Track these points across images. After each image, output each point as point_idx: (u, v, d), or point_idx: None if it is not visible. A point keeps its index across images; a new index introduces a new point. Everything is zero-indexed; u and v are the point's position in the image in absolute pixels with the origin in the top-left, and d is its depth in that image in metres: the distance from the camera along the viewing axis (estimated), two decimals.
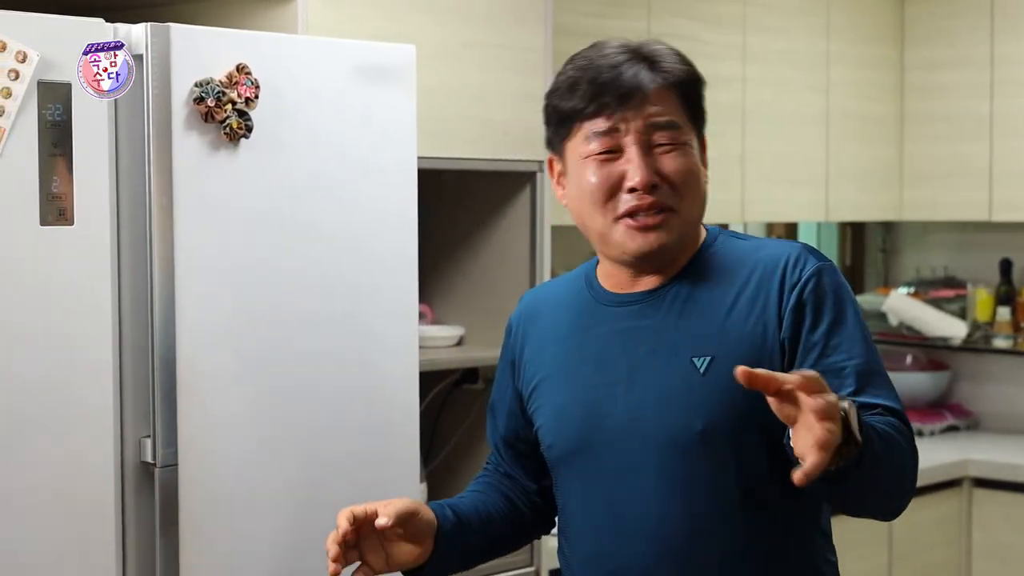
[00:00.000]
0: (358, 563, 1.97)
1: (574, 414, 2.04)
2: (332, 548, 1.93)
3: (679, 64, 2.00)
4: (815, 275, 1.96)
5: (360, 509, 1.96)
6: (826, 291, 1.96)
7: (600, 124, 1.96)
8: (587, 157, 1.98)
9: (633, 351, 2.00)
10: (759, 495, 1.96)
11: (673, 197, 1.96)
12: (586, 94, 1.97)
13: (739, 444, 1.94)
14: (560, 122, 2.02)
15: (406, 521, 1.98)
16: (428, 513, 2.04)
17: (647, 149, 1.95)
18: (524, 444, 2.18)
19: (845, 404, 1.72)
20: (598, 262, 2.10)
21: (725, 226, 2.17)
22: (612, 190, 1.96)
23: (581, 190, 1.99)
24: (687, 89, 1.99)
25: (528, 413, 2.13)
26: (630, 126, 1.95)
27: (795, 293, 1.95)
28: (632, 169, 1.95)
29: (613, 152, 1.96)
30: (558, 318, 2.11)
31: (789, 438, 1.74)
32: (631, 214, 1.96)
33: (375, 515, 1.95)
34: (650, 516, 1.97)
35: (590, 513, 2.04)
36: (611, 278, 2.06)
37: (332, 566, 1.92)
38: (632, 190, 1.95)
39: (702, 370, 1.95)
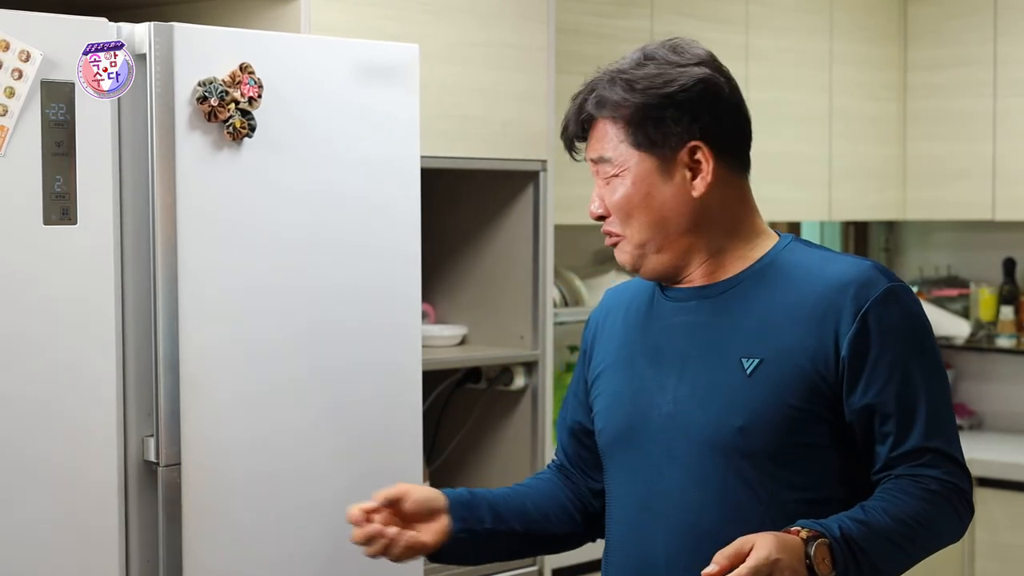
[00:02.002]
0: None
1: (624, 402, 2.08)
2: (360, 530, 2.00)
3: (611, 101, 2.02)
4: (883, 301, 1.96)
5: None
6: (892, 320, 1.96)
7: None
8: None
9: (687, 345, 2.04)
10: (793, 500, 1.96)
11: (617, 224, 2.05)
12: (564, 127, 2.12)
13: (777, 446, 1.95)
14: None
15: (397, 501, 2.02)
16: (426, 491, 2.07)
17: (597, 176, 2.06)
18: (587, 436, 2.20)
19: (811, 550, 1.83)
20: None
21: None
22: None
23: None
24: (624, 122, 2.02)
25: (591, 402, 2.17)
26: (588, 160, 2.09)
27: (859, 318, 1.95)
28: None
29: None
30: (628, 311, 2.16)
31: None
32: None
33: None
34: (683, 509, 1.99)
35: (628, 502, 2.07)
36: None
37: (373, 548, 2.00)
38: None
39: (749, 371, 1.97)
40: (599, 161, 2.03)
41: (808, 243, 2.09)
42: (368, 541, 1.99)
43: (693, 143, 2.01)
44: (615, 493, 2.11)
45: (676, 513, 2.00)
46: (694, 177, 2.02)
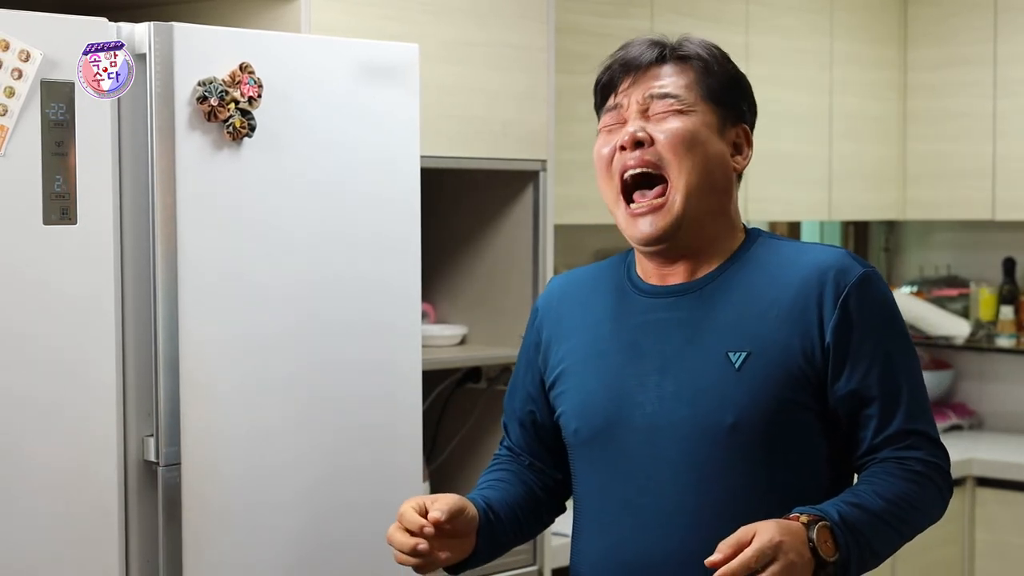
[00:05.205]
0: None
1: (602, 401, 2.05)
2: (408, 540, 1.94)
3: (699, 47, 2.06)
4: (860, 286, 1.99)
5: (416, 502, 1.97)
6: (870, 305, 2.00)
7: (611, 101, 2.06)
8: (600, 130, 2.08)
9: (667, 342, 2.03)
10: (786, 490, 1.98)
11: (664, 159, 2.00)
12: (603, 74, 2.08)
13: (769, 438, 1.97)
14: (596, 105, 2.12)
15: (455, 517, 1.99)
16: (473, 510, 2.04)
17: (643, 115, 2.03)
18: (540, 428, 2.19)
19: (813, 534, 1.84)
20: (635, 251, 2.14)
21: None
22: (611, 156, 2.04)
23: (595, 162, 2.08)
24: (703, 70, 2.04)
25: (551, 398, 2.15)
26: (632, 99, 2.04)
27: (840, 304, 1.98)
28: (624, 130, 2.03)
29: (619, 124, 2.05)
30: (590, 305, 2.13)
31: None
32: (628, 195, 2.02)
33: (426, 510, 1.97)
34: (674, 507, 1.99)
35: (609, 502, 2.05)
36: (645, 269, 2.10)
37: (408, 559, 1.95)
38: (622, 148, 2.02)
39: (737, 365, 1.97)
40: (662, 96, 2.02)
41: (776, 236, 2.13)
42: (413, 554, 1.96)
43: (745, 125, 2.09)
44: (591, 492, 2.08)
45: (669, 511, 1.99)
46: (733, 156, 2.07)
